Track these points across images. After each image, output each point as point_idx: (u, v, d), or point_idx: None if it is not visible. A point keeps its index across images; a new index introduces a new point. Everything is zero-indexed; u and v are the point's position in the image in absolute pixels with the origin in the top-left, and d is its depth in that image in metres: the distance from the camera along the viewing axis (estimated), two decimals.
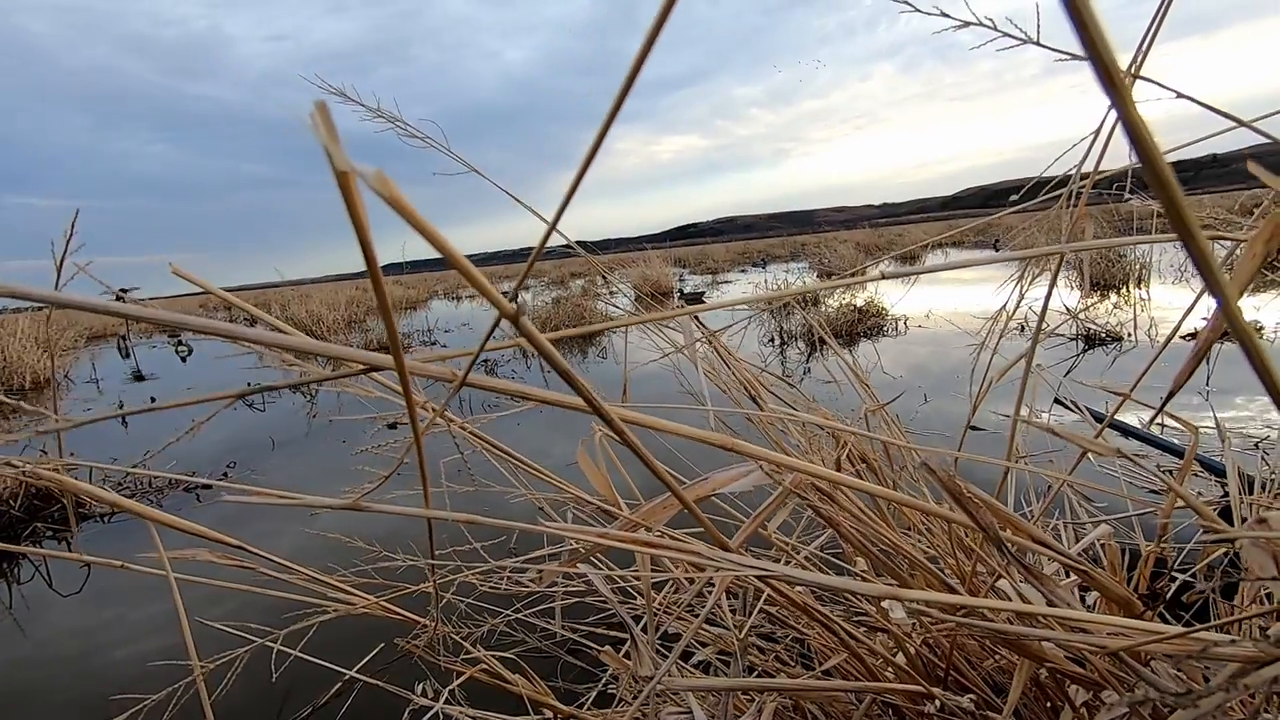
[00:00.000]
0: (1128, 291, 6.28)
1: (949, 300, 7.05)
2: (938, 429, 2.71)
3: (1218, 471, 1.48)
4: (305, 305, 10.74)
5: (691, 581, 0.66)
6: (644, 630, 0.70)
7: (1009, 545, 0.37)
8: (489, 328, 0.28)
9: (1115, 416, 1.91)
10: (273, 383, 0.29)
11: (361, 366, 0.30)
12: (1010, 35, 0.54)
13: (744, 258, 22.21)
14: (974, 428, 1.92)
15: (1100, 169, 0.64)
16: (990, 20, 0.55)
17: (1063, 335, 4.46)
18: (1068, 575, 0.61)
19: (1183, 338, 4.15)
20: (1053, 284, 0.75)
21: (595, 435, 0.59)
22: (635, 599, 1.16)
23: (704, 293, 10.01)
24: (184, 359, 8.47)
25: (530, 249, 0.30)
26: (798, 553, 0.70)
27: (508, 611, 1.18)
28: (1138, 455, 2.01)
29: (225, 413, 4.96)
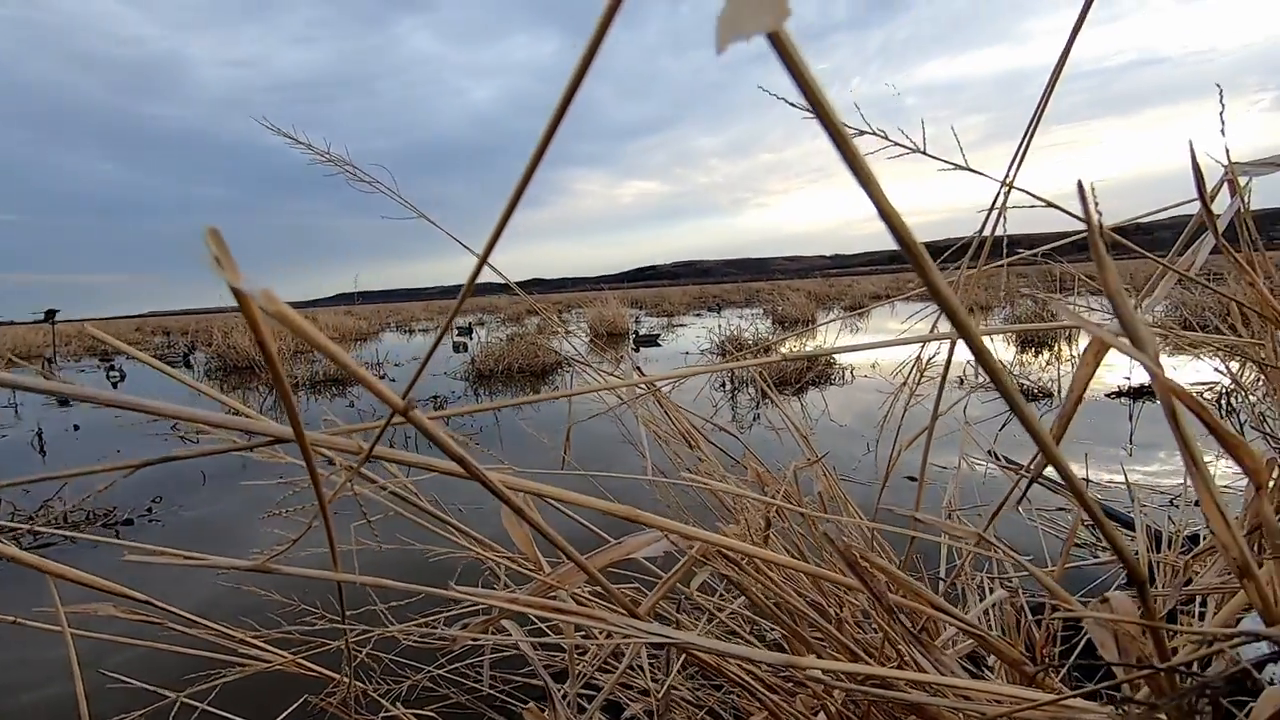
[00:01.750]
0: (1059, 349, 6.60)
1: (896, 351, 7.27)
2: (877, 478, 2.77)
3: (1127, 525, 1.56)
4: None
5: (609, 636, 0.66)
6: (569, 686, 0.70)
7: (900, 612, 0.39)
8: (383, 422, 0.29)
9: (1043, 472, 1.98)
10: (174, 454, 0.29)
11: (268, 438, 0.30)
12: (899, 144, 0.59)
13: (700, 302, 22.56)
14: (910, 478, 1.98)
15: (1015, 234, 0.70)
16: (882, 131, 0.60)
17: (991, 389, 4.63)
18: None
19: (1108, 396, 4.37)
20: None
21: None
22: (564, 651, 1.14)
23: (659, 335, 10.10)
24: (115, 384, 8.09)
25: (493, 284, 0.31)
26: (722, 611, 0.71)
27: (429, 667, 1.15)
28: (1064, 509, 2.09)
29: (154, 441, 4.73)
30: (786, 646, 0.59)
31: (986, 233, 0.66)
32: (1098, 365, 0.30)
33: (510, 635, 0.60)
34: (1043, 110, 0.50)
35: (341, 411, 5.35)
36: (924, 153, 0.60)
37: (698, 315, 16.31)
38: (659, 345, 9.19)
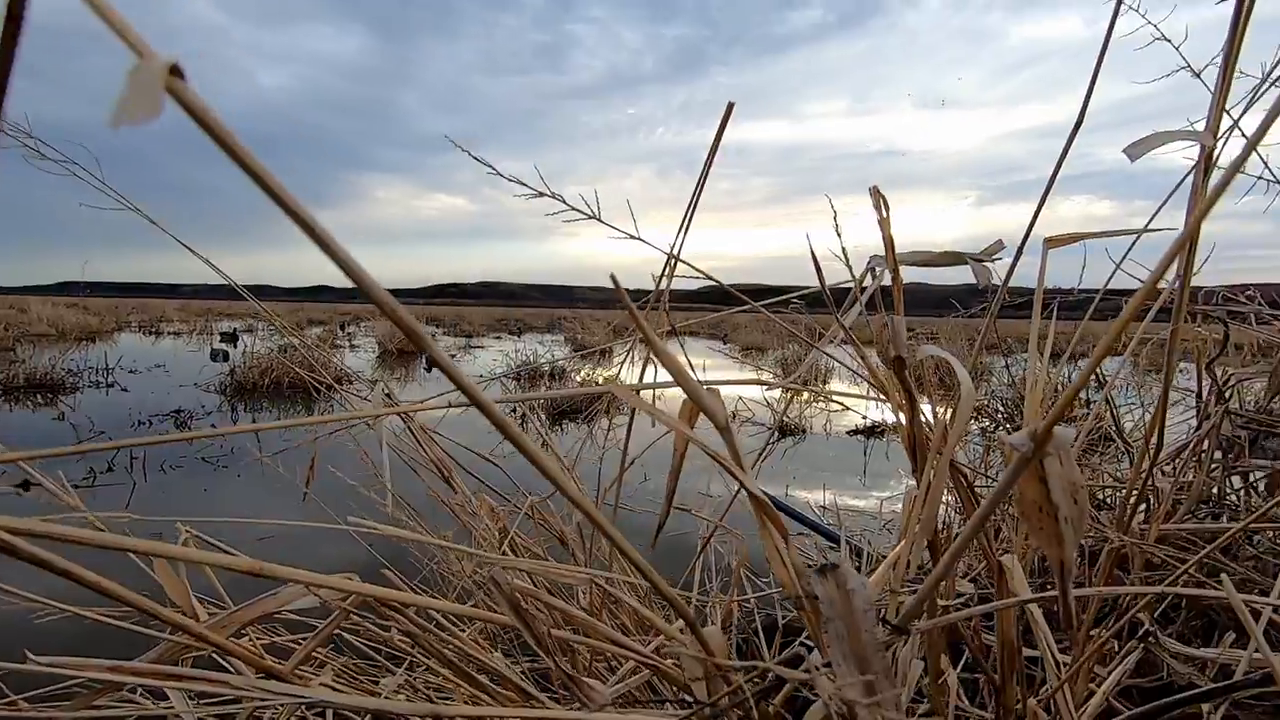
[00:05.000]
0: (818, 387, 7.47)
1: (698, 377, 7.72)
2: (652, 505, 2.90)
3: (834, 539, 1.81)
4: None
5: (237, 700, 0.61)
6: None
7: (554, 652, 0.40)
8: None
9: (782, 500, 2.21)
10: None
11: None
12: (575, 209, 0.65)
13: (501, 324, 22.25)
14: (680, 508, 2.11)
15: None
16: (559, 195, 0.65)
17: (762, 424, 5.12)
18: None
19: (848, 433, 5.03)
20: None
21: (182, 535, 0.53)
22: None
23: (454, 355, 9.77)
24: None
25: (268, 286, 0.26)
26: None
27: None
28: (802, 534, 2.34)
29: None
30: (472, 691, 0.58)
31: (674, 285, 0.73)
32: (694, 420, 0.34)
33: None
34: (697, 198, 0.57)
35: (45, 427, 4.39)
36: (599, 219, 0.65)
37: (498, 337, 16.05)
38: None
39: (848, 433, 5.02)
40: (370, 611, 0.46)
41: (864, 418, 5.37)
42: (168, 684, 0.35)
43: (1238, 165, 0.26)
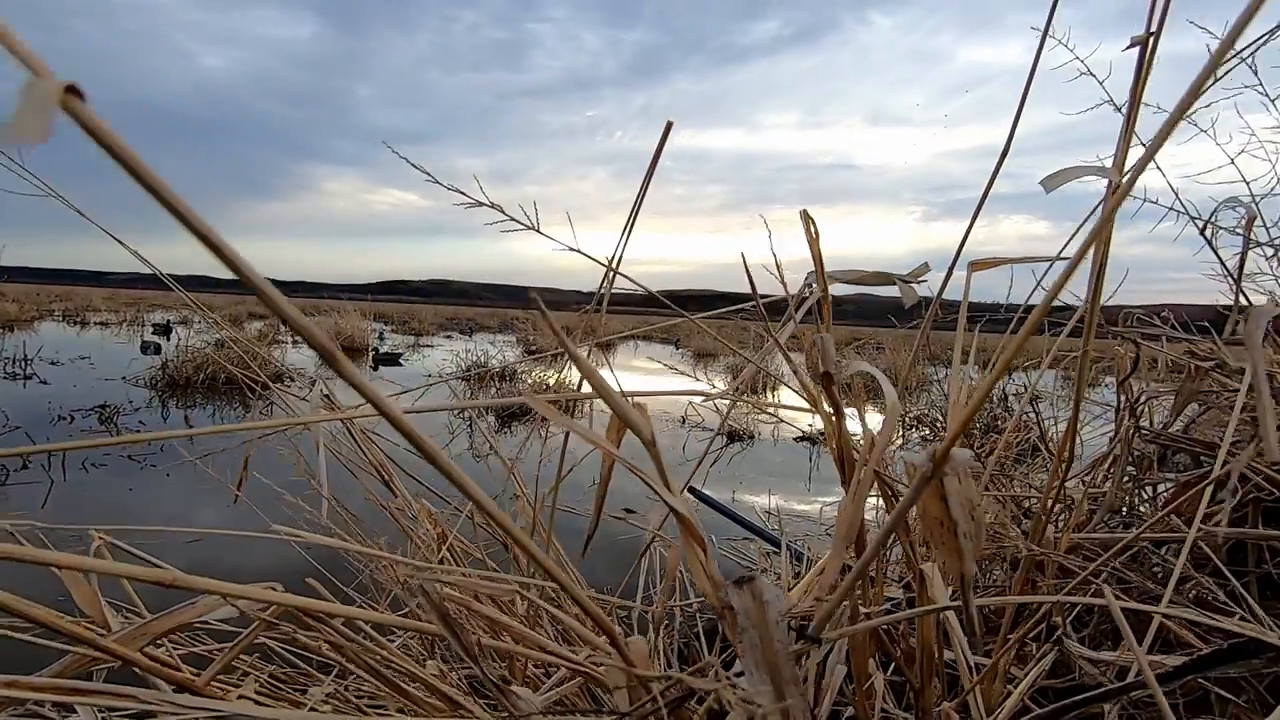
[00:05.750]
0: (766, 395, 7.60)
1: (640, 383, 7.74)
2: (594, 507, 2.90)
3: (776, 543, 1.85)
4: None
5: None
6: None
7: (484, 660, 0.40)
8: None
9: (728, 504, 2.24)
10: None
11: None
12: (515, 219, 0.65)
13: (452, 323, 21.88)
14: (627, 510, 2.13)
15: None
16: (499, 206, 0.65)
17: (711, 429, 5.18)
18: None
19: (794, 440, 5.13)
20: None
21: (95, 542, 0.51)
22: None
23: (402, 354, 9.55)
24: None
25: (207, 277, 0.25)
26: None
27: None
28: (746, 539, 2.37)
29: None
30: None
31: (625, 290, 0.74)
32: (621, 436, 0.35)
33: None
34: (636, 211, 0.58)
35: None
36: (538, 230, 0.65)
37: (448, 336, 15.77)
38: (400, 365, 8.68)
39: (794, 439, 5.11)
40: (295, 621, 0.45)
41: (810, 425, 5.49)
42: (72, 699, 0.34)
43: (1121, 197, 0.28)
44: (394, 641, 1.03)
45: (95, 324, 13.07)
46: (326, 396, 1.24)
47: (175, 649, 0.57)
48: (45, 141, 0.13)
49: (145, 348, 8.14)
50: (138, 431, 4.16)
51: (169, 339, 8.91)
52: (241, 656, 0.67)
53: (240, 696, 0.50)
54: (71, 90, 0.14)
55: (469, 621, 0.56)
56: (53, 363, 6.70)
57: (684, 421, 5.31)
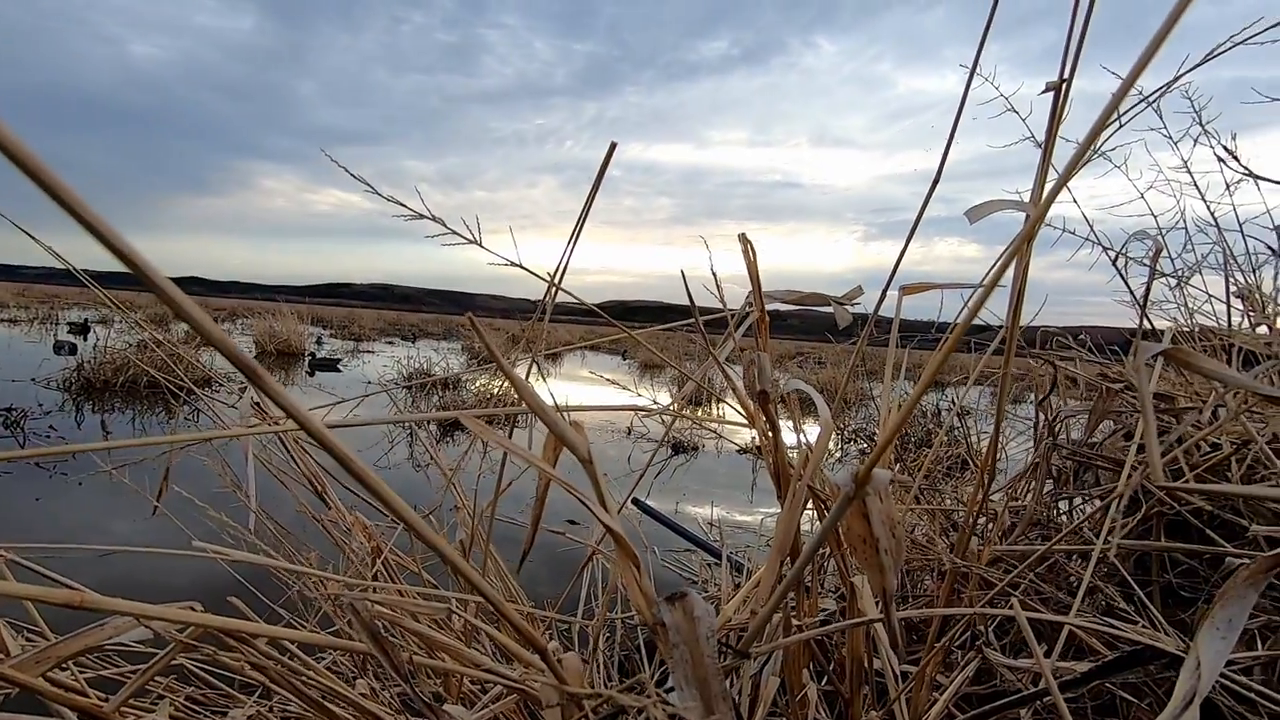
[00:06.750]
0: (710, 408, 7.69)
1: (585, 394, 7.71)
2: (547, 521, 2.87)
3: (717, 555, 1.88)
4: None
5: None
6: None
7: (415, 679, 0.40)
8: None
9: (671, 516, 2.25)
10: None
11: None
12: (458, 234, 0.65)
13: (395, 328, 21.38)
14: (570, 521, 2.12)
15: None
16: (441, 219, 0.65)
17: (654, 440, 5.20)
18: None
19: (738, 451, 5.21)
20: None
21: None
22: None
23: (341, 360, 9.26)
24: None
25: (124, 274, 0.23)
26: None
27: None
28: (688, 550, 2.38)
29: None
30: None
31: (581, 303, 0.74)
32: (558, 453, 0.35)
33: None
34: (580, 225, 0.59)
35: None
36: (480, 245, 0.65)
37: (390, 342, 15.39)
38: (339, 371, 8.41)
39: (737, 450, 5.18)
40: (215, 642, 0.43)
41: (751, 438, 5.56)
42: None
43: (1032, 227, 0.30)
44: (323, 660, 1.00)
45: (3, 321, 12.22)
46: (256, 404, 1.20)
47: (82, 673, 0.54)
48: None
49: (59, 348, 7.65)
50: (47, 436, 3.90)
51: (86, 339, 8.40)
52: (157, 679, 0.64)
53: None
54: None
55: (402, 639, 0.55)
56: None
57: (629, 432, 5.33)
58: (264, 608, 1.20)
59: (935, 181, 0.74)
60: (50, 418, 4.32)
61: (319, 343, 11.92)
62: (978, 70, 0.79)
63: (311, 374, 7.85)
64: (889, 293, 0.78)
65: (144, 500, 1.11)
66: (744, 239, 0.53)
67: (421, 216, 0.64)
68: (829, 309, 0.72)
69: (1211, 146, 1.37)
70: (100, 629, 0.38)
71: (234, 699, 0.77)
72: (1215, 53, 0.89)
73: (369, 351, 12.01)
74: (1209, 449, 1.01)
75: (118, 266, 0.21)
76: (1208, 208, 1.42)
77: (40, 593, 0.28)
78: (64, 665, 0.43)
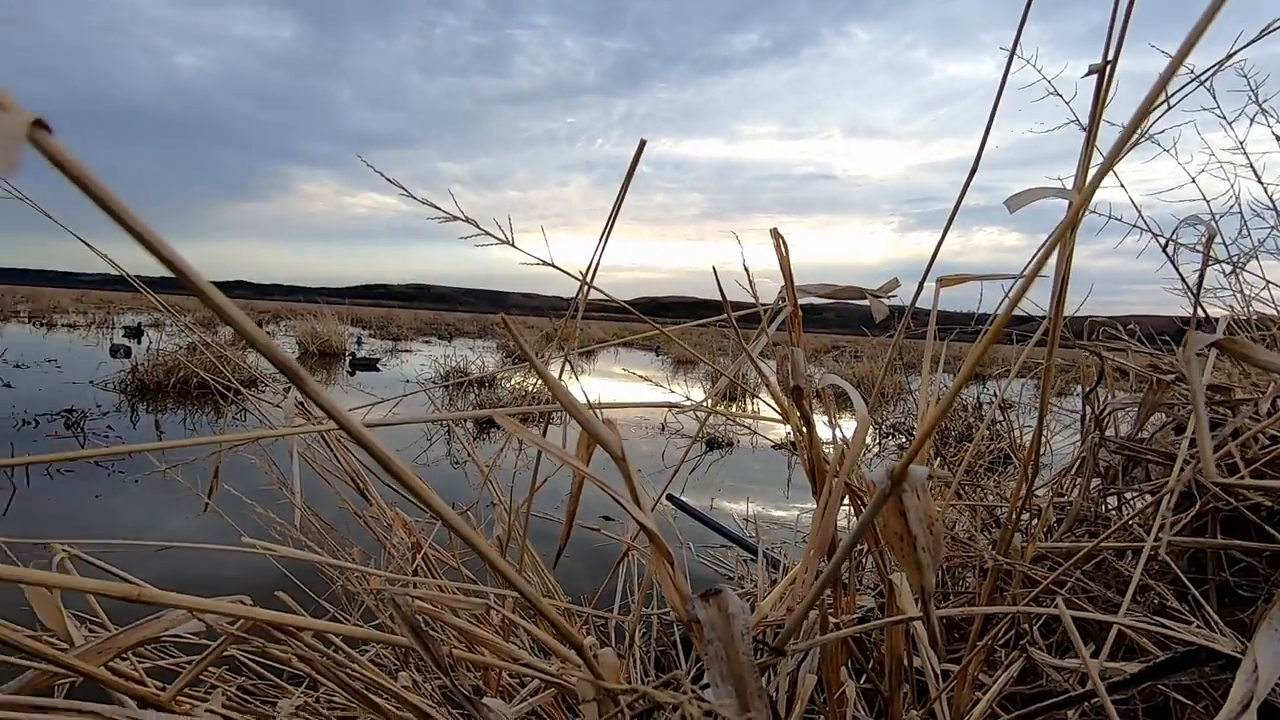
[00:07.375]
0: (744, 404, 7.64)
1: (618, 391, 7.73)
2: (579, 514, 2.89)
3: (753, 551, 1.87)
4: None
5: None
6: None
7: (455, 671, 0.40)
8: None
9: (707, 512, 2.25)
10: None
11: None
12: (490, 234, 0.66)
13: (431, 328, 21.72)
14: (606, 518, 2.13)
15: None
16: (474, 220, 0.66)
17: (689, 436, 5.19)
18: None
19: (773, 447, 5.16)
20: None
21: (56, 555, 0.50)
22: None
23: (380, 359, 9.45)
24: None
25: (173, 279, 0.24)
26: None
27: None
28: (725, 546, 2.38)
29: None
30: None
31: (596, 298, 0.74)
32: (591, 451, 0.35)
33: None
34: (610, 224, 0.59)
35: None
36: (512, 245, 0.66)
37: (427, 342, 15.64)
38: (379, 370, 8.58)
39: (773, 446, 5.14)
40: (264, 635, 0.44)
41: (786, 433, 5.51)
42: (32, 715, 0.33)
43: (1075, 214, 0.29)
44: (366, 653, 1.03)
45: (63, 326, 12.77)
46: (300, 404, 1.23)
47: (140, 663, 0.57)
48: (13, 175, 0.13)
49: (115, 351, 7.97)
50: (105, 436, 4.07)
51: (140, 342, 8.73)
52: (209, 669, 0.66)
53: (207, 710, 0.49)
54: (39, 124, 0.14)
55: (443, 633, 0.56)
56: (17, 365, 6.54)
57: (664, 428, 5.33)
58: (310, 601, 1.24)
59: (973, 169, 0.72)
60: (108, 418, 4.50)
61: (359, 343, 12.18)
62: (1017, 53, 0.77)
63: (352, 373, 8.02)
64: (926, 285, 0.76)
65: (196, 497, 1.16)
66: (776, 234, 0.53)
67: (455, 219, 0.65)
68: (865, 302, 0.71)
69: (1269, 126, 1.31)
70: (156, 621, 0.40)
71: (282, 690, 0.79)
72: (1272, 27, 0.85)
73: (407, 351, 12.23)
74: (1268, 442, 0.97)
75: (168, 272, 0.22)
76: (1265, 190, 1.36)
77: (101, 586, 0.29)
78: (124, 655, 0.45)
